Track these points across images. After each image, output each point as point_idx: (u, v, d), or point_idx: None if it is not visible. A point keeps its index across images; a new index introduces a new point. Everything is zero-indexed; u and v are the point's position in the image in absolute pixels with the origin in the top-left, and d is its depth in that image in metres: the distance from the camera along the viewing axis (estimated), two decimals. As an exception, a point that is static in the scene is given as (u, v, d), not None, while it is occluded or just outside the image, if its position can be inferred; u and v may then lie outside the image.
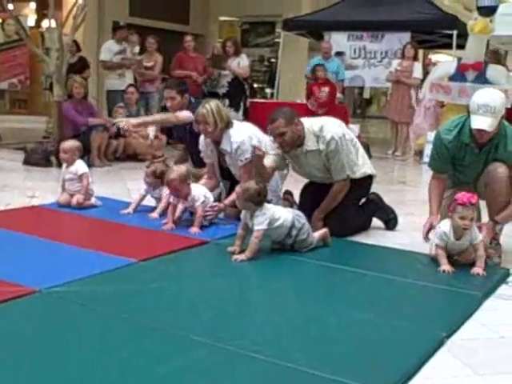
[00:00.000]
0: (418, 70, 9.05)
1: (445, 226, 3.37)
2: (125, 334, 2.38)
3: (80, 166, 4.51)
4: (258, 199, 3.42)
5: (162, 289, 2.89)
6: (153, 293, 2.84)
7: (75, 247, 3.44)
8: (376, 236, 4.18)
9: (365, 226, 4.29)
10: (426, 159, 8.40)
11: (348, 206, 4.04)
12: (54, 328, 2.41)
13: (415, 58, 9.16)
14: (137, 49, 8.67)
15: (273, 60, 16.71)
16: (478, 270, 3.28)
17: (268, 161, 3.96)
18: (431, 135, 8.41)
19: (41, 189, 5.34)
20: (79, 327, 2.43)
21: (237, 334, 2.40)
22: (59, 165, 6.48)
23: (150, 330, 2.40)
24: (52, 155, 6.62)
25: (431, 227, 3.54)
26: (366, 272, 3.29)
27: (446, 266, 3.30)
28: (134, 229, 3.96)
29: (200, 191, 4.01)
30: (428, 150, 8.40)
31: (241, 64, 8.63)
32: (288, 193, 4.68)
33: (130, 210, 4.35)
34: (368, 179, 4.20)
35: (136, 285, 2.93)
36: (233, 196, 3.95)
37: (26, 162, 6.76)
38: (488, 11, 7.93)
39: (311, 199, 4.17)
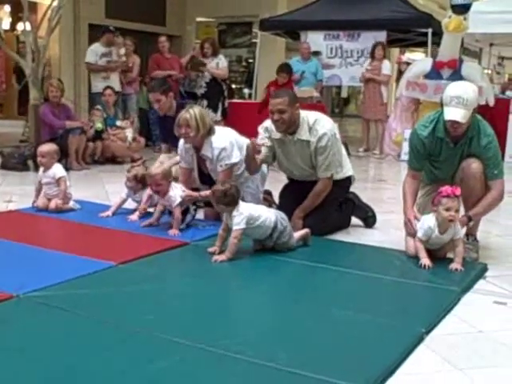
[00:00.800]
0: (386, 67, 9.18)
1: (429, 220, 3.41)
2: (107, 338, 2.36)
3: (57, 170, 4.48)
4: (226, 200, 3.42)
5: (142, 291, 2.89)
6: (133, 295, 2.83)
7: (53, 251, 3.42)
8: (355, 234, 4.21)
9: (344, 225, 4.32)
10: (404, 157, 8.51)
11: (327, 206, 4.06)
12: (34, 333, 2.38)
13: (384, 58, 9.23)
14: (122, 51, 8.60)
15: (250, 60, 16.78)
16: (456, 265, 3.32)
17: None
18: (408, 132, 8.52)
19: (18, 193, 5.30)
20: (60, 332, 2.41)
21: (219, 335, 2.39)
22: (37, 168, 6.45)
23: (133, 333, 2.39)
24: (29, 159, 6.57)
25: (413, 220, 3.56)
26: (346, 270, 3.32)
27: (426, 260, 3.34)
28: (113, 231, 3.94)
29: (178, 192, 4.00)
30: (406, 148, 8.51)
31: (219, 65, 8.61)
32: (267, 193, 4.69)
33: (110, 212, 4.33)
34: (347, 181, 4.24)
35: (115, 288, 2.91)
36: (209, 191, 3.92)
37: (3, 166, 6.70)
38: (462, 9, 8.04)
39: (292, 199, 4.17)
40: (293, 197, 4.18)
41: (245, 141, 4.25)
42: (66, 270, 3.07)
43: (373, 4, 9.71)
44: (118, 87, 8.18)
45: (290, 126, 3.93)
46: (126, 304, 2.73)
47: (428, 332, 2.51)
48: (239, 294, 3.08)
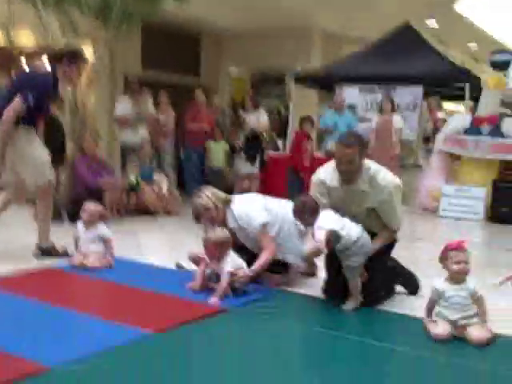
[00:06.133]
0: (397, 121, 8.98)
1: (435, 282, 3.28)
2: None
3: (105, 230, 4.50)
4: (308, 209, 3.61)
5: (176, 369, 2.72)
6: (168, 372, 2.67)
7: (89, 316, 3.29)
8: (401, 303, 3.98)
9: (390, 293, 4.10)
10: (443, 212, 8.32)
11: (382, 272, 3.86)
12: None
13: (393, 111, 9.10)
14: (149, 103, 8.64)
15: (281, 110, 16.83)
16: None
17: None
18: (445, 188, 8.35)
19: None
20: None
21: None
22: (71, 220, 6.41)
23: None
24: (63, 210, 6.53)
25: None
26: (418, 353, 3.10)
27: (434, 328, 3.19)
28: (150, 295, 3.80)
29: (235, 262, 3.85)
30: (444, 204, 8.33)
31: (260, 119, 8.68)
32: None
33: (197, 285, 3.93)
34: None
35: (152, 362, 2.76)
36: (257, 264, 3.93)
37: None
38: (501, 66, 7.96)
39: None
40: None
41: (272, 201, 4.25)
42: (101, 338, 2.94)
43: (409, 58, 9.67)
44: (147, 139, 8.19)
45: (352, 175, 3.72)
46: (164, 380, 2.57)
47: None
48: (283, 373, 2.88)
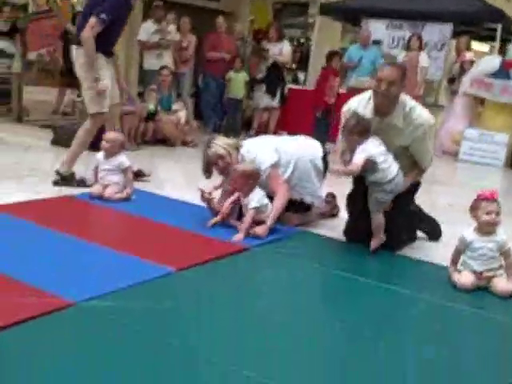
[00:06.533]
0: (424, 59, 8.66)
1: (465, 232, 3.23)
2: (172, 365, 2.20)
3: (124, 159, 4.41)
4: (359, 128, 3.52)
5: (200, 308, 2.72)
6: (194, 311, 2.68)
7: (110, 249, 3.26)
8: (421, 249, 3.96)
9: (412, 239, 4.06)
10: (464, 156, 8.20)
11: (405, 216, 3.82)
12: (94, 350, 2.24)
13: (420, 49, 8.78)
14: (172, 28, 8.40)
15: (303, 41, 16.42)
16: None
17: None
18: (469, 132, 8.19)
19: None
20: (122, 349, 2.25)
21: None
22: (92, 149, 6.34)
23: (205, 363, 2.23)
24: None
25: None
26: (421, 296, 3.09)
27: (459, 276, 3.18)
28: (172, 229, 3.77)
29: (260, 200, 3.81)
30: (465, 147, 8.20)
31: (283, 50, 8.43)
32: (332, 196, 4.50)
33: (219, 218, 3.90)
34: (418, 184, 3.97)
35: (176, 301, 2.76)
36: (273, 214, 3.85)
37: (55, 141, 6.53)
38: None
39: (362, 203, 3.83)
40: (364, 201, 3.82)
41: (286, 141, 4.17)
42: (124, 274, 2.92)
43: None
44: (171, 66, 8.00)
45: (389, 105, 3.60)
46: (189, 322, 2.58)
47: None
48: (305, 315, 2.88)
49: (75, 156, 4.77)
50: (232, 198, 3.89)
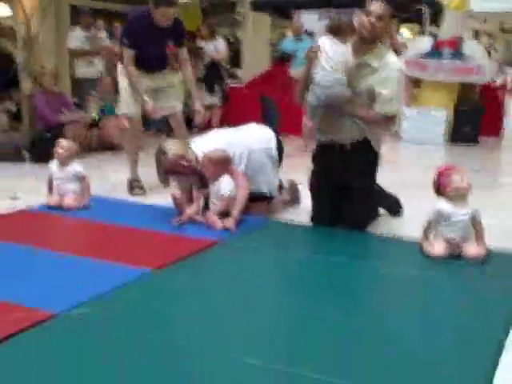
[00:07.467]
0: None
1: (438, 203, 3.29)
2: (161, 359, 2.16)
3: (79, 168, 4.32)
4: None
5: (185, 304, 2.70)
6: (176, 308, 2.65)
7: (81, 257, 3.19)
8: (385, 226, 4.03)
9: (375, 216, 4.14)
10: (404, 135, 8.39)
11: (369, 195, 3.85)
12: (84, 356, 2.18)
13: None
14: (103, 34, 8.27)
15: (231, 39, 16.42)
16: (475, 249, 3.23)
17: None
18: (407, 111, 8.39)
19: (22, 188, 4.97)
20: (111, 354, 2.20)
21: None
22: (34, 160, 6.17)
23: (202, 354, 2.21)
24: (25, 149, 6.27)
25: None
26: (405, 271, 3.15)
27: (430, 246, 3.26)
28: (135, 231, 3.72)
29: (228, 184, 3.83)
30: (405, 126, 8.39)
31: (217, 47, 8.40)
32: (292, 183, 4.53)
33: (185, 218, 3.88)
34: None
35: (157, 299, 2.72)
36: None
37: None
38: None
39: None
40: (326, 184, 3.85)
41: (236, 132, 4.17)
42: (100, 280, 2.86)
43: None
44: (104, 73, 7.87)
45: (371, 41, 3.54)
46: (173, 318, 2.55)
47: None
48: (287, 299, 2.89)
49: (130, 163, 5.05)
50: (200, 195, 3.88)
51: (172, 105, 5.03)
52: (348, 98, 3.57)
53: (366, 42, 3.55)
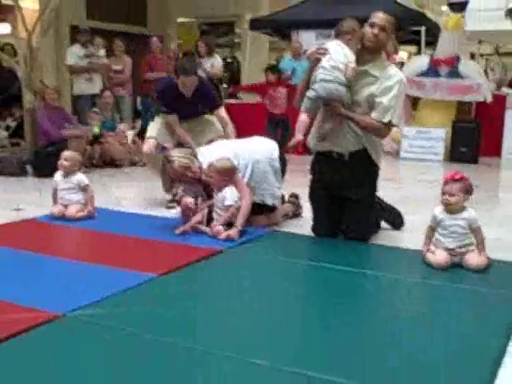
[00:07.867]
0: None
1: (435, 210, 3.34)
2: (170, 361, 2.18)
3: (83, 177, 4.35)
4: None
5: (190, 308, 2.71)
6: (181, 312, 2.65)
7: (88, 264, 3.21)
8: (388, 238, 4.06)
9: (376, 228, 4.16)
10: (404, 154, 8.46)
11: (367, 206, 3.85)
12: (90, 357, 2.19)
13: None
14: (102, 52, 8.38)
15: (229, 60, 16.57)
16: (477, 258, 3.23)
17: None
18: (406, 130, 8.48)
19: (25, 200, 5.03)
20: (117, 355, 2.21)
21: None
22: (37, 174, 6.23)
23: (209, 356, 2.22)
24: (27, 164, 6.32)
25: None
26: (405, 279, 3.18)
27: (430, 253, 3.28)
28: (139, 240, 3.73)
29: (233, 194, 3.85)
30: (405, 145, 8.46)
31: (215, 65, 8.46)
32: (294, 196, 4.55)
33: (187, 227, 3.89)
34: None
35: (162, 304, 2.72)
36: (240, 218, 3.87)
37: (-1, 171, 6.41)
38: (459, 7, 8.03)
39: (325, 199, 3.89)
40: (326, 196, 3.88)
41: (241, 143, 4.22)
42: (107, 284, 2.88)
43: (363, 2, 9.61)
44: (98, 89, 7.97)
45: (373, 51, 3.60)
46: (178, 321, 2.55)
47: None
48: (292, 305, 2.91)
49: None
50: (204, 205, 3.91)
51: (211, 138, 4.96)
52: (346, 96, 3.58)
53: (369, 52, 3.61)
